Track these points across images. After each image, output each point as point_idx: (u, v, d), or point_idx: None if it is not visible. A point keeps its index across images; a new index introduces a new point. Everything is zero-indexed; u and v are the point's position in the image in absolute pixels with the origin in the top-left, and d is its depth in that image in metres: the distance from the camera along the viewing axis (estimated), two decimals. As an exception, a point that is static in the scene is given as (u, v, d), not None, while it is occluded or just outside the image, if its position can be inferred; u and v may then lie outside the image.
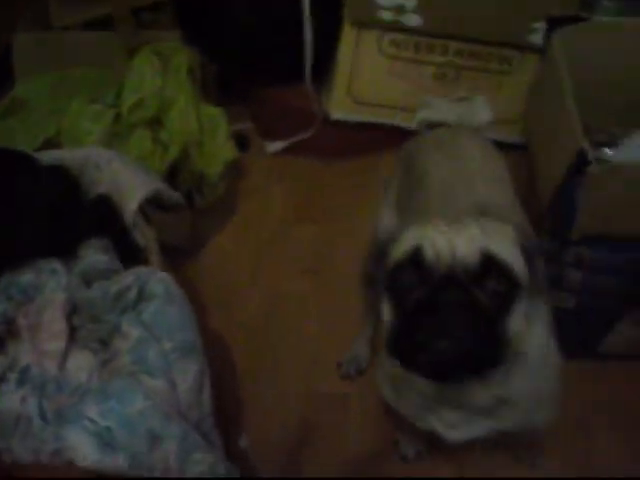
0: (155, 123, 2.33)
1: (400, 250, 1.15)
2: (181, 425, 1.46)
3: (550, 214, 1.72)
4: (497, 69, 2.42)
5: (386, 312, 1.17)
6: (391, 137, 2.53)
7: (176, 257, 2.23)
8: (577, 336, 1.97)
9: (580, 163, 1.56)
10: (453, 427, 1.36)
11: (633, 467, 1.87)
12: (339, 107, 2.48)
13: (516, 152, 2.07)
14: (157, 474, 1.44)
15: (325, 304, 2.22)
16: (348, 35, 2.39)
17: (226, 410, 1.94)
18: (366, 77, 2.44)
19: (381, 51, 2.40)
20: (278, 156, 2.62)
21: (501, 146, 2.40)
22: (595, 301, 1.85)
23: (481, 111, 1.83)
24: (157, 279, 1.61)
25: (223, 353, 2.09)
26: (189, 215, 2.33)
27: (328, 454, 1.90)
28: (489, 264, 1.09)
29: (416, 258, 1.10)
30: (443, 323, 1.07)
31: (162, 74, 2.33)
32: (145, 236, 1.80)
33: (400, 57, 2.41)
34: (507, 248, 1.13)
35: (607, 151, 1.70)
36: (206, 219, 2.41)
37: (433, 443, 1.79)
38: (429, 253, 1.09)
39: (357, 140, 2.56)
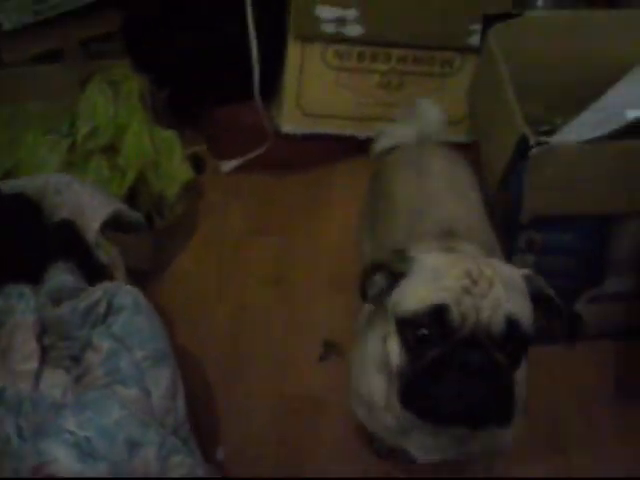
0: (110, 150, 2.36)
1: (418, 297, 1.14)
2: (158, 431, 1.49)
3: (499, 202, 1.78)
4: (439, 72, 2.50)
5: (396, 355, 1.17)
6: (343, 147, 2.61)
7: (139, 279, 2.26)
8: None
9: (523, 148, 1.62)
10: (426, 451, 1.37)
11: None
12: (289, 121, 2.53)
13: (463, 151, 2.12)
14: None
15: (290, 312, 2.26)
16: (293, 49, 2.45)
17: (201, 424, 1.95)
18: (313, 89, 2.49)
19: (326, 63, 2.46)
20: (233, 174, 2.66)
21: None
22: (550, 283, 1.90)
23: (429, 112, 1.90)
24: (125, 292, 1.64)
25: (193, 369, 2.09)
26: (150, 237, 2.36)
27: (307, 458, 1.94)
28: (512, 329, 1.11)
29: (440, 316, 1.11)
30: (464, 383, 1.08)
31: (114, 101, 2.37)
32: (109, 254, 1.83)
33: (345, 68, 2.47)
34: (525, 308, 1.16)
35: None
36: (167, 241, 2.44)
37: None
38: (455, 315, 1.10)
39: (310, 152, 2.61)
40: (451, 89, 2.45)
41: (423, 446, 1.36)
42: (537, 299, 1.21)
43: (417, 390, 1.13)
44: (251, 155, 2.60)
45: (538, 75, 2.03)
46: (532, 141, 1.62)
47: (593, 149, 1.62)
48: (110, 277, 1.79)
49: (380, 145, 1.90)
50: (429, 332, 1.11)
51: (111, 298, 1.62)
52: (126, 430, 1.45)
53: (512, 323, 1.10)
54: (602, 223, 1.81)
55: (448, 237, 1.37)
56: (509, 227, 1.76)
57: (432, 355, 1.11)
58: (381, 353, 1.26)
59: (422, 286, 1.16)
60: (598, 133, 1.62)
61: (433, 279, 1.15)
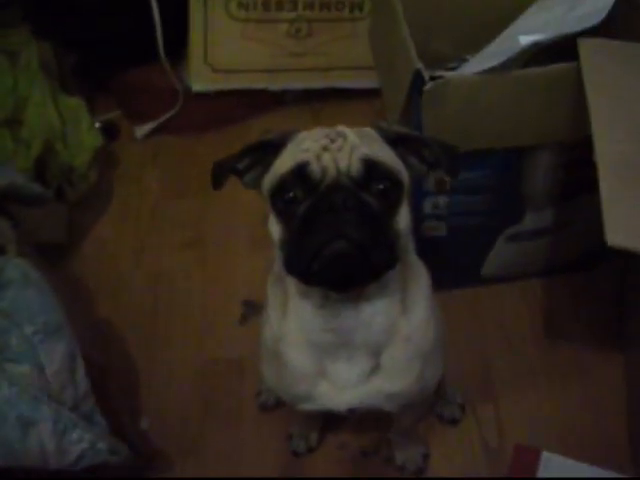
0: (14, 122, 2.27)
1: (282, 165, 1.16)
2: (52, 406, 1.43)
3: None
4: (349, 17, 2.43)
5: (276, 231, 1.16)
6: (258, 101, 2.53)
7: (56, 252, 2.21)
8: (458, 262, 1.99)
9: (418, 84, 1.56)
10: (344, 388, 1.33)
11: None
12: (199, 79, 2.46)
13: (378, 97, 2.06)
14: (34, 458, 1.40)
15: (209, 274, 2.22)
16: (195, 4, 2.37)
17: (124, 394, 1.92)
18: (220, 44, 2.42)
19: (231, 15, 2.39)
20: (149, 139, 2.61)
21: (363, 93, 2.44)
22: (465, 223, 1.87)
23: None
24: (13, 265, 1.57)
25: (115, 338, 2.07)
26: (64, 209, 2.31)
27: (232, 423, 1.90)
28: (371, 169, 1.12)
29: (301, 173, 1.11)
30: (335, 224, 1.07)
31: (12, 71, 2.28)
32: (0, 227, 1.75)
33: (251, 19, 2.40)
34: (382, 150, 1.17)
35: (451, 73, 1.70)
36: (84, 211, 2.39)
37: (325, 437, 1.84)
38: (315, 168, 1.11)
39: (224, 109, 2.55)
40: (363, 34, 2.35)
41: (340, 380, 1.32)
42: (403, 144, 1.22)
43: (297, 249, 1.11)
44: (163, 118, 2.53)
45: (447, 12, 1.97)
46: (426, 76, 1.55)
47: (488, 80, 1.56)
48: (1, 252, 1.71)
49: None
50: (295, 193, 1.12)
51: (-1, 273, 1.55)
52: (17, 408, 1.40)
53: (368, 162, 1.12)
54: (513, 157, 1.75)
55: None
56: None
57: (302, 211, 1.11)
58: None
59: (286, 155, 1.18)
60: (494, 63, 1.55)
61: (295, 146, 1.17)
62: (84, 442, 1.46)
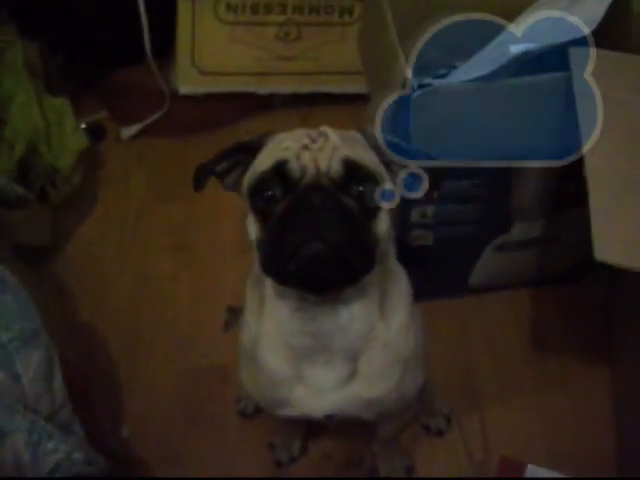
0: (-3, 122, 2.24)
1: (262, 164, 1.15)
2: (27, 417, 1.40)
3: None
4: (339, 21, 2.41)
5: (253, 230, 1.15)
6: (246, 104, 2.50)
7: (40, 255, 2.18)
8: (446, 272, 1.96)
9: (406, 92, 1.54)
10: (321, 392, 1.31)
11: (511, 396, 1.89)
12: (186, 81, 2.43)
13: (366, 102, 2.04)
14: (9, 470, 1.37)
15: (195, 279, 2.19)
16: (183, 6, 2.34)
17: (106, 400, 1.89)
18: (208, 47, 2.40)
19: (219, 18, 2.36)
20: (136, 140, 2.59)
21: (351, 97, 2.42)
22: (452, 232, 1.85)
23: None
24: (-11, 271, 1.53)
25: (98, 342, 2.04)
26: (47, 211, 2.27)
27: (212, 428, 1.87)
28: (351, 170, 1.11)
29: (280, 171, 1.11)
30: (313, 225, 1.05)
31: (-5, 70, 2.25)
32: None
33: (239, 22, 2.37)
34: (364, 153, 1.16)
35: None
36: (68, 213, 2.36)
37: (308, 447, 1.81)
38: (294, 166, 1.10)
39: (212, 112, 2.52)
40: (352, 38, 2.34)
41: (318, 384, 1.30)
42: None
43: (274, 249, 1.10)
44: (150, 119, 2.50)
45: (437, 18, 1.94)
46: (415, 84, 1.53)
47: (476, 88, 1.54)
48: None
49: None
50: (274, 191, 1.11)
51: (-26, 278, 1.51)
52: (-9, 418, 1.36)
53: (349, 164, 1.11)
54: (502, 168, 1.72)
55: None
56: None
57: (280, 210, 1.09)
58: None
59: (266, 154, 1.17)
60: (483, 71, 1.53)
61: (276, 145, 1.17)
62: (59, 453, 1.42)
